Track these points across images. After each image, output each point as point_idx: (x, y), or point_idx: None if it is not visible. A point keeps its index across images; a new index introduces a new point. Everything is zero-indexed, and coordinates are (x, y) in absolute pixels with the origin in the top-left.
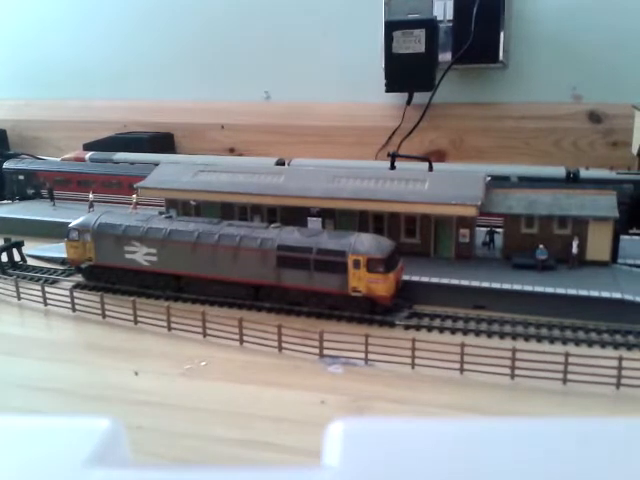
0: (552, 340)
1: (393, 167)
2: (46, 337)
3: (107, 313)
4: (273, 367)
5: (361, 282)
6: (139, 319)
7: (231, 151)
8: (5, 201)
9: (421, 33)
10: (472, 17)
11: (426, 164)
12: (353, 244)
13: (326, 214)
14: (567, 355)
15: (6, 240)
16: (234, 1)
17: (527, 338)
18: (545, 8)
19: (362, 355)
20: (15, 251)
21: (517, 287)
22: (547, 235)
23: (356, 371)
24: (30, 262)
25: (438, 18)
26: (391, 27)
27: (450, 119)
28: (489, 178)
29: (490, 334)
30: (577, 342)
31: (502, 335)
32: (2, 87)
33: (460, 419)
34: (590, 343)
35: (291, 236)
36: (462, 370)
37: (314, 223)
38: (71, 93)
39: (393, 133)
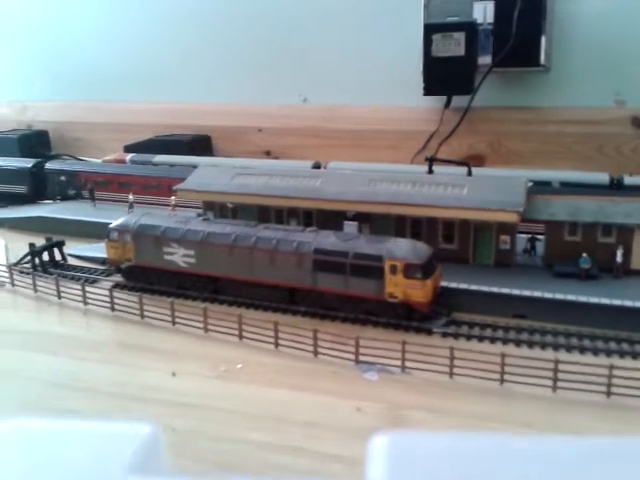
0: (595, 352)
1: (431, 171)
2: (85, 336)
3: (145, 313)
4: (308, 372)
5: (398, 288)
6: (177, 320)
7: (267, 154)
8: (47, 201)
9: (461, 36)
10: (513, 20)
11: (464, 168)
12: (390, 249)
13: (362, 218)
14: (611, 368)
15: (47, 239)
16: (272, 6)
17: (569, 349)
18: (588, 11)
19: (398, 362)
20: (56, 250)
21: (559, 296)
22: (591, 243)
23: (392, 379)
24: (71, 261)
25: (478, 21)
26: (430, 30)
27: (489, 123)
28: (531, 183)
29: (531, 344)
30: (621, 354)
31: (543, 346)
32: (46, 89)
33: (511, 436)
34: (635, 355)
35: (327, 240)
36: (502, 381)
37: (350, 227)
38: (112, 95)
39: (431, 137)
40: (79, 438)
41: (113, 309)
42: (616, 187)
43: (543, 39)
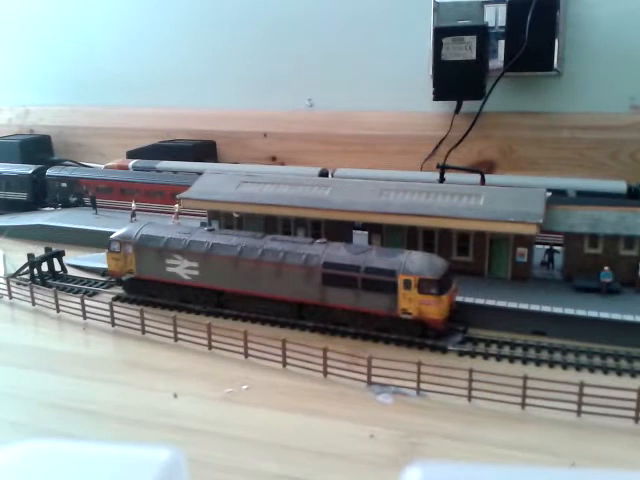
0: (619, 372)
1: (442, 179)
2: (84, 353)
3: (147, 329)
4: (317, 394)
5: (412, 304)
6: (179, 336)
7: (273, 159)
8: (47, 208)
9: (472, 40)
10: (526, 23)
11: (477, 176)
12: (404, 263)
13: (373, 229)
14: None
15: (47, 250)
16: (277, 9)
17: (592, 369)
18: (602, 14)
19: (413, 384)
20: (56, 261)
21: (581, 313)
22: (612, 256)
23: (407, 402)
24: (71, 272)
25: (489, 24)
26: (440, 33)
27: (501, 128)
28: (549, 193)
29: (552, 364)
30: None
31: (565, 365)
32: (49, 93)
33: (547, 469)
34: None
35: (338, 253)
36: (524, 405)
37: (359, 237)
38: (115, 100)
39: (440, 142)
40: (97, 462)
41: (113, 324)
42: (634, 196)
43: (556, 43)
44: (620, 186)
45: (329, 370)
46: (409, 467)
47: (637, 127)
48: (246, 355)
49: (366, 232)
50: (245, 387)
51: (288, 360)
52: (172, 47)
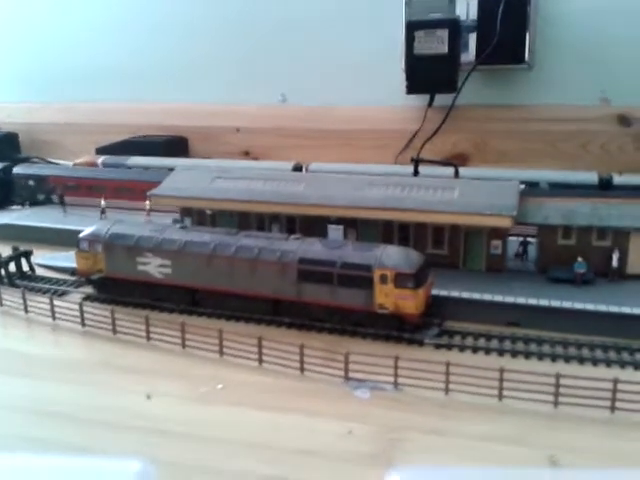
0: (595, 362)
1: (416, 173)
2: (53, 354)
3: (118, 329)
4: (294, 391)
5: (388, 298)
6: (152, 335)
7: (246, 154)
8: (15, 207)
9: (444, 33)
10: (497, 17)
11: (451, 169)
12: (380, 257)
13: (348, 223)
14: (616, 382)
15: (14, 249)
16: (248, 3)
17: (568, 360)
18: (573, 8)
19: (391, 378)
20: (24, 260)
21: (555, 303)
22: (585, 247)
23: (385, 396)
24: (39, 272)
25: (461, 17)
26: (413, 27)
27: (473, 121)
28: (523, 186)
29: (528, 355)
30: (622, 364)
31: (540, 356)
32: (16, 90)
33: (526, 469)
34: (637, 366)
35: (313, 248)
36: (501, 397)
37: (334, 231)
38: (85, 96)
39: (414, 136)
40: (68, 476)
41: (83, 324)
42: (605, 187)
43: (527, 36)
44: (591, 177)
45: (306, 366)
46: (388, 473)
47: (607, 119)
48: (221, 353)
49: (341, 227)
50: (220, 386)
51: (264, 357)
52: (142, 42)
